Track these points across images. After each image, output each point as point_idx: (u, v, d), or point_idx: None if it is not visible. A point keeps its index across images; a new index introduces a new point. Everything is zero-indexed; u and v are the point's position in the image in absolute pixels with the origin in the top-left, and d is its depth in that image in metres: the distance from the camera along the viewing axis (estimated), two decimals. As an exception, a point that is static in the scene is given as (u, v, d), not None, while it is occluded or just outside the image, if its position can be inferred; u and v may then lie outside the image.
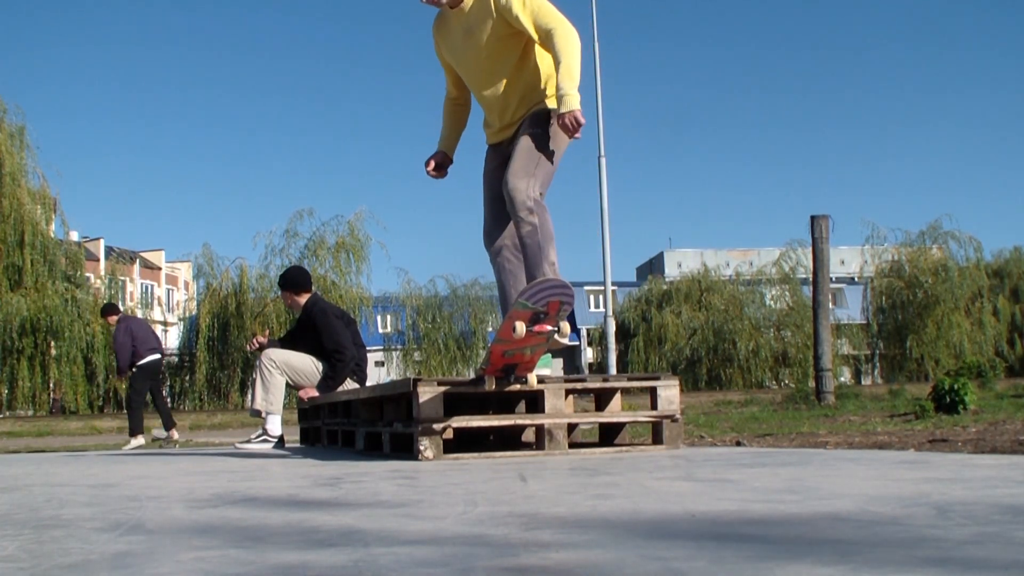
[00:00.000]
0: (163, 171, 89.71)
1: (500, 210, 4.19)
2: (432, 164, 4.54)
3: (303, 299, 6.72)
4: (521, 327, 3.64)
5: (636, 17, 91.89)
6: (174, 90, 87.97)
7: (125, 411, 12.08)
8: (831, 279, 11.82)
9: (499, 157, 4.27)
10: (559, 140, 4.12)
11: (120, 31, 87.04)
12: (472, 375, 4.48)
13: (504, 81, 4.17)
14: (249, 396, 6.78)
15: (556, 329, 3.76)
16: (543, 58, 4.16)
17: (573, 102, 3.83)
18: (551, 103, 4.12)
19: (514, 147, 4.11)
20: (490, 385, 4.01)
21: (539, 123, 4.12)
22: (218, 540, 1.81)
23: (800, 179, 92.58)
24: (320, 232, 30.55)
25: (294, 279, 6.86)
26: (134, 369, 11.23)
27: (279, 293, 7.20)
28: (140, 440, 10.86)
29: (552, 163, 4.08)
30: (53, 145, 73.88)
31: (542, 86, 4.18)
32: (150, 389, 11.54)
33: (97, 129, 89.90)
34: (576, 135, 3.88)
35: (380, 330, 39.18)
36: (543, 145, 4.07)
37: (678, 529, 1.77)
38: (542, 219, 3.95)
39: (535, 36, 4.03)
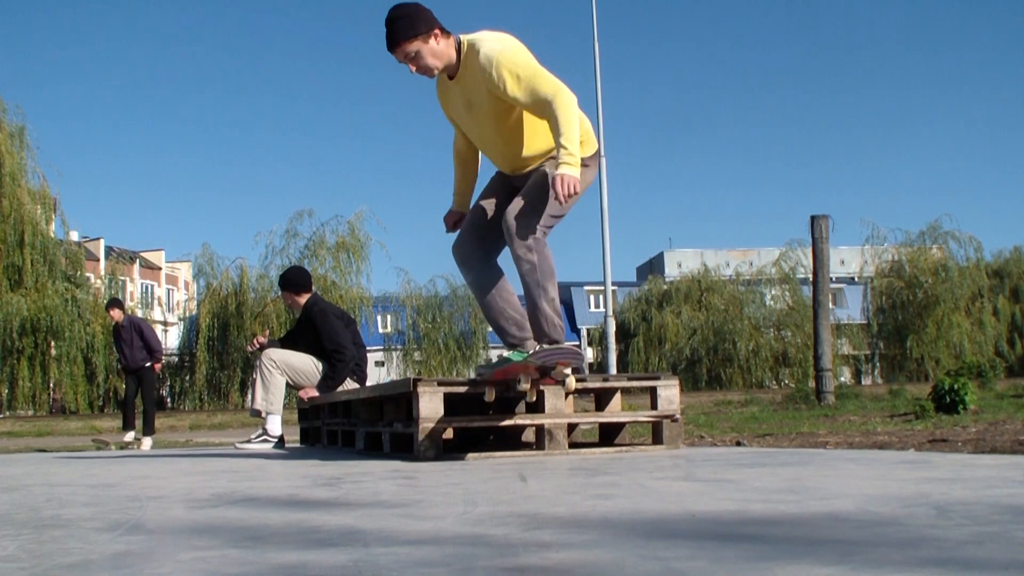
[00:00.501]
0: (163, 171, 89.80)
1: (480, 226, 4.11)
2: (451, 223, 4.37)
3: (303, 299, 6.73)
4: (526, 381, 3.94)
5: (636, 17, 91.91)
6: (174, 90, 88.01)
7: (122, 409, 12.15)
8: (831, 279, 11.83)
9: (505, 181, 4.16)
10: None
11: (120, 31, 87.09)
12: (472, 375, 4.50)
13: (514, 145, 4.02)
14: (249, 396, 6.79)
15: (562, 382, 4.01)
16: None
17: (570, 168, 3.65)
18: None
19: (525, 185, 4.00)
20: (490, 396, 4.08)
21: (554, 166, 3.85)
22: (218, 540, 1.81)
23: (800, 179, 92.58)
24: (320, 232, 30.57)
25: (294, 279, 6.87)
26: (147, 365, 11.41)
27: (279, 293, 7.22)
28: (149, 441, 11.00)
29: (559, 206, 3.84)
30: (53, 145, 73.63)
31: (554, 145, 3.86)
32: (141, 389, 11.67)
33: (97, 129, 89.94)
34: (565, 203, 3.70)
35: (380, 330, 39.17)
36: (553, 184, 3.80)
37: (678, 529, 1.77)
38: (541, 257, 3.84)
39: (532, 110, 3.83)
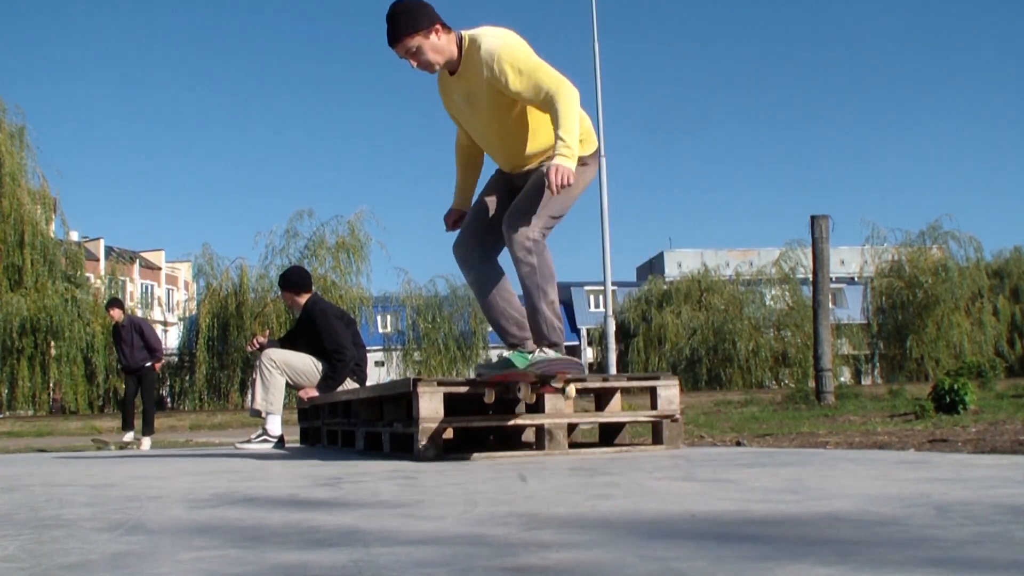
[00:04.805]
0: (163, 171, 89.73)
1: (480, 225, 4.12)
2: (451, 222, 4.37)
3: (303, 299, 6.73)
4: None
5: (636, 17, 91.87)
6: (174, 90, 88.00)
7: (123, 410, 12.18)
8: (831, 279, 11.83)
9: (505, 179, 4.17)
10: (570, 187, 3.83)
11: (120, 31, 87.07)
12: (472, 375, 4.53)
13: (514, 142, 4.01)
14: (249, 396, 6.79)
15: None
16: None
17: (565, 160, 3.62)
18: None
19: (525, 186, 4.01)
20: (489, 398, 4.07)
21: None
22: (218, 540, 1.81)
23: (800, 179, 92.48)
24: (320, 232, 30.55)
25: (294, 280, 6.88)
26: (147, 365, 11.46)
27: (279, 293, 7.22)
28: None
29: (559, 206, 3.92)
30: (53, 145, 73.86)
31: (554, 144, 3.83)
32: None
33: (97, 129, 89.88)
34: (557, 195, 3.69)
35: (380, 330, 39.15)
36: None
37: (678, 529, 1.77)
38: (541, 259, 3.85)
39: (535, 105, 3.83)
